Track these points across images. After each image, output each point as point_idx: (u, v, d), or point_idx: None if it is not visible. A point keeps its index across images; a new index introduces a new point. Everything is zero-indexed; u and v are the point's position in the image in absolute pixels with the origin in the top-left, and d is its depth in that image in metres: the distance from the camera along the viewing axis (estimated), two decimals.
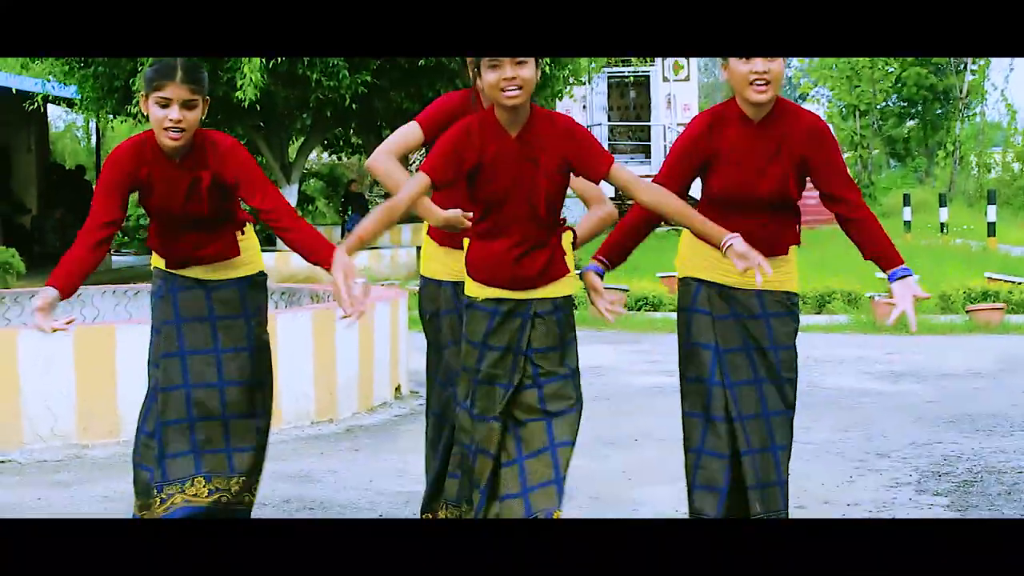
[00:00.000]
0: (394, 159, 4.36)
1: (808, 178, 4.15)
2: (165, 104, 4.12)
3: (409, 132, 4.40)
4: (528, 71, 3.81)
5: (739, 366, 4.13)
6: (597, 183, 4.06)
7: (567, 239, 4.08)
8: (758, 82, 3.97)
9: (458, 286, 4.31)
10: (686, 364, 4.22)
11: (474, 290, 4.03)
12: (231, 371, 4.40)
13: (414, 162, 26.69)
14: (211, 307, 4.43)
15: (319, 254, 4.16)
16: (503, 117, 3.91)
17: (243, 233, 4.53)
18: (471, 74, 4.06)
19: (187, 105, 4.14)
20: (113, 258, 24.69)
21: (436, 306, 4.57)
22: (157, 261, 4.53)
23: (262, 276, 4.62)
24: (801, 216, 4.26)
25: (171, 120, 4.12)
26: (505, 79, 3.78)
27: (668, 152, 4.27)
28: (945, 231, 24.22)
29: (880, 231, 4.11)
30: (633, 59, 26.22)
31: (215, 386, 4.38)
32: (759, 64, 3.95)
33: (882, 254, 4.09)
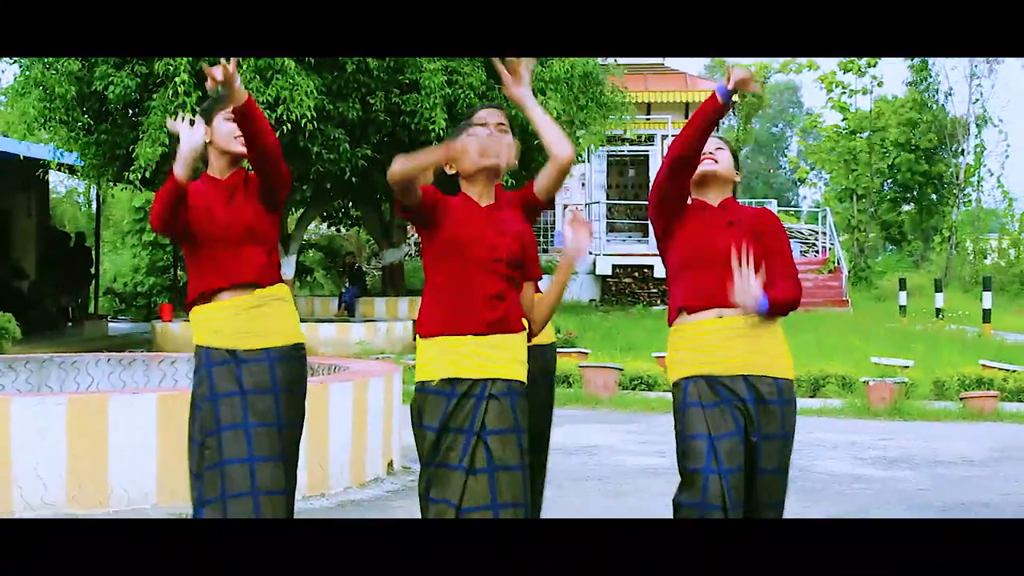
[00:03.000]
0: None
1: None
2: (231, 120, 4.59)
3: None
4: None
5: (733, 452, 4.10)
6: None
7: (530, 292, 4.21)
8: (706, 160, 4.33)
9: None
10: (682, 458, 4.18)
11: (427, 372, 4.00)
12: (260, 446, 4.37)
13: (409, 236, 26.89)
14: (241, 382, 4.44)
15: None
16: (473, 192, 4.11)
17: (276, 284, 4.58)
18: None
19: None
20: (109, 325, 24.69)
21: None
22: (198, 337, 4.56)
23: (297, 349, 4.58)
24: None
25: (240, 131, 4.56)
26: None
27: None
28: (940, 316, 24.20)
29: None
30: (632, 138, 26.31)
31: (247, 461, 4.35)
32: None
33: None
